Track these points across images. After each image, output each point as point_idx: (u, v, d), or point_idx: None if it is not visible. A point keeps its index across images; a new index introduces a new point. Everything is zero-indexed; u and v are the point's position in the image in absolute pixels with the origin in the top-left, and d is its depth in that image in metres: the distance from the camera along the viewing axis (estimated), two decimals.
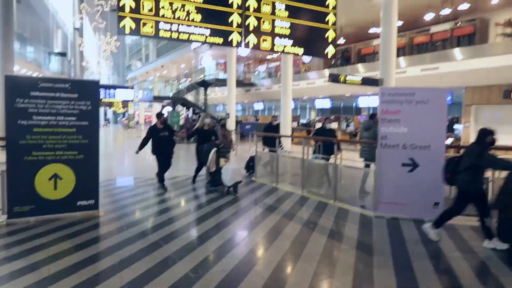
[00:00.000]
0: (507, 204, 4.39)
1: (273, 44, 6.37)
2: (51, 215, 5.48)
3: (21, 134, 5.25)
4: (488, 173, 5.45)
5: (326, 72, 18.97)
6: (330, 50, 7.04)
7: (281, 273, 3.84)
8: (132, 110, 45.74)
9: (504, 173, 4.86)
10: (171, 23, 5.34)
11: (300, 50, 6.84)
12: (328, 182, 7.55)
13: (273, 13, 6.29)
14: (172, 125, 13.33)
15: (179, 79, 29.58)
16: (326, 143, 8.11)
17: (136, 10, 5.08)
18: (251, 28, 6.03)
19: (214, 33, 5.71)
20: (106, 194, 7.16)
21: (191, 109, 24.55)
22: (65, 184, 5.57)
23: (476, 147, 4.69)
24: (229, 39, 5.86)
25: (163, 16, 5.28)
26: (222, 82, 24.27)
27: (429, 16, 16.37)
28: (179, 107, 25.66)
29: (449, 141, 13.70)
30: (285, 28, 6.46)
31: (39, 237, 4.71)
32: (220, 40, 5.78)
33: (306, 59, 22.63)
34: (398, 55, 14.16)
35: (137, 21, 5.08)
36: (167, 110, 24.29)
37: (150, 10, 5.17)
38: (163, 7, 5.29)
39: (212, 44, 5.91)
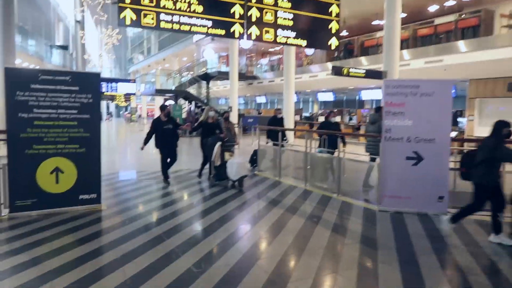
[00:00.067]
0: None
1: (275, 36, 6.30)
2: (53, 209, 5.46)
3: (22, 127, 5.21)
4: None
5: (329, 65, 18.83)
6: (334, 42, 6.96)
7: (284, 267, 3.80)
8: (135, 104, 45.68)
9: None
10: (172, 14, 5.28)
11: (303, 42, 6.77)
12: (332, 176, 7.49)
13: (275, 4, 6.21)
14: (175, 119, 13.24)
15: (181, 72, 29.50)
16: (331, 137, 8.03)
17: (136, 1, 5.02)
18: (253, 19, 5.95)
19: (216, 24, 5.64)
20: (109, 188, 7.14)
21: (193, 103, 24.49)
22: (67, 178, 5.54)
23: (491, 140, 4.58)
24: (231, 30, 5.79)
25: (164, 7, 5.21)
26: (224, 75, 24.17)
27: (433, 8, 16.19)
28: (182, 101, 25.59)
29: (453, 134, 13.60)
30: (288, 19, 6.38)
31: (41, 231, 4.69)
32: (222, 31, 5.72)
33: (309, 51, 22.46)
34: (401, 48, 14.01)
35: (137, 12, 5.02)
36: (169, 103, 24.23)
37: (151, 1, 5.10)
38: None
39: (214, 36, 5.86)
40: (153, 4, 5.07)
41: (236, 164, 7.41)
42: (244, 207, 6.15)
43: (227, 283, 3.41)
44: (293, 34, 6.49)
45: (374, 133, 7.31)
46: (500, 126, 4.55)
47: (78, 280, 3.41)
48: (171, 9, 5.20)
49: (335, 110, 22.21)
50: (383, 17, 12.53)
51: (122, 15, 4.88)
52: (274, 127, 9.59)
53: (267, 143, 9.83)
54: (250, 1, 5.88)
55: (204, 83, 25.90)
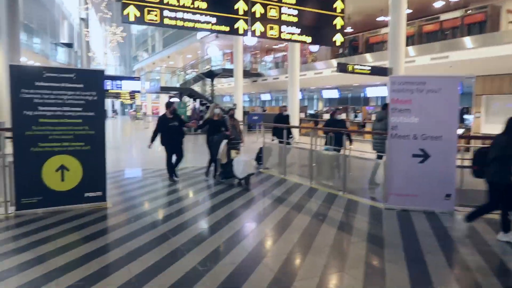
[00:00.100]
0: None
1: (280, 32, 6.26)
2: (59, 206, 5.47)
3: (27, 125, 5.21)
4: None
5: (334, 62, 18.74)
6: (338, 38, 6.91)
7: (290, 266, 3.78)
8: (140, 101, 45.79)
9: None
10: (176, 11, 5.24)
11: (308, 39, 6.72)
12: (338, 173, 7.43)
13: (279, 0, 6.15)
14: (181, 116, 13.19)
15: (185, 69, 29.49)
16: (338, 134, 7.97)
17: None
18: (257, 15, 5.91)
19: (220, 21, 5.60)
20: (114, 186, 7.15)
21: (198, 100, 24.48)
22: (72, 176, 5.55)
23: (503, 137, 4.50)
24: (235, 27, 5.75)
25: (167, 3, 5.18)
26: (228, 73, 24.13)
27: (438, 4, 16.03)
28: (186, 98, 25.59)
29: (459, 131, 13.49)
30: (293, 15, 6.33)
31: (47, 229, 4.70)
32: (226, 28, 5.68)
33: (313, 48, 22.36)
34: (407, 44, 13.91)
35: (141, 8, 4.99)
36: (174, 101, 24.25)
37: None
38: None
39: (218, 33, 5.83)
40: (157, 1, 5.05)
41: (243, 162, 7.34)
42: (249, 205, 6.13)
43: (232, 282, 3.39)
44: (298, 30, 6.45)
45: (381, 131, 7.24)
46: None
47: (83, 278, 3.40)
48: (174, 5, 5.17)
49: (341, 107, 22.13)
50: (388, 13, 12.44)
51: (125, 12, 4.86)
52: (280, 125, 9.54)
53: (272, 140, 9.79)
54: None
55: (208, 80, 25.88)
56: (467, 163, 6.52)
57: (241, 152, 8.83)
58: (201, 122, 9.13)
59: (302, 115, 21.96)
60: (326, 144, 8.50)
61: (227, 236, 4.56)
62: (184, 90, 25.16)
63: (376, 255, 4.08)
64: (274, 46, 27.72)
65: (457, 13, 15.87)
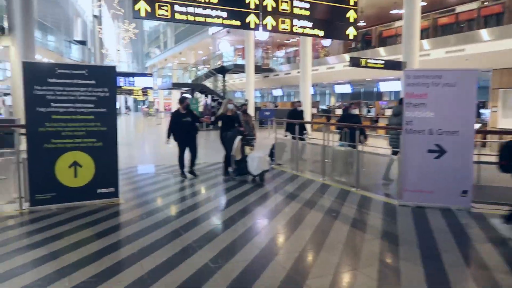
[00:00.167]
0: None
1: (292, 26, 6.17)
2: (72, 202, 5.51)
3: (40, 121, 5.24)
4: None
5: (346, 56, 18.53)
6: (352, 32, 6.79)
7: (303, 263, 3.73)
8: (152, 98, 46.13)
9: None
10: (187, 6, 5.20)
11: (320, 32, 6.61)
12: (352, 169, 7.31)
13: None
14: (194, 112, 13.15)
15: (197, 65, 29.55)
16: (353, 130, 7.83)
17: None
18: (269, 9, 5.83)
19: (231, 15, 5.54)
20: (127, 182, 7.18)
21: (209, 96, 24.51)
22: (85, 172, 5.58)
23: None
24: (247, 21, 5.68)
25: None
26: (240, 68, 24.07)
27: None
28: (198, 94, 25.65)
29: (476, 126, 13.21)
30: (305, 9, 6.23)
31: (60, 224, 4.73)
32: (237, 22, 5.62)
33: (325, 43, 22.15)
34: (421, 37, 13.64)
35: (152, 3, 4.96)
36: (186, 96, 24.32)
37: None
38: None
39: (229, 27, 5.77)
40: None
41: (257, 158, 7.26)
42: (261, 201, 6.09)
43: (244, 280, 3.35)
44: (310, 24, 6.35)
45: (397, 126, 7.08)
46: None
47: (96, 274, 3.41)
48: (185, 0, 5.13)
49: (354, 102, 21.89)
50: (402, 6, 12.21)
51: (136, 7, 4.84)
52: (293, 120, 9.44)
53: (285, 136, 9.71)
54: None
55: (220, 76, 25.88)
56: (484, 158, 6.37)
57: (255, 148, 8.78)
58: (213, 118, 9.08)
59: (314, 110, 21.80)
60: (340, 140, 8.37)
61: (239, 233, 4.53)
62: (196, 86, 25.22)
63: (391, 253, 4.00)
64: (285, 41, 27.57)
65: (473, 5, 15.50)
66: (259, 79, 26.60)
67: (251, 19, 5.67)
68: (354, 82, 23.14)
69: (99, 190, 5.67)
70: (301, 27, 6.23)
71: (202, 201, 6.13)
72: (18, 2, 12.35)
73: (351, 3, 6.62)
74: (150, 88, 30.09)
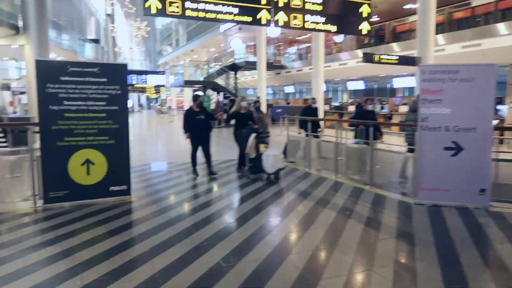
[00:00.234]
0: None
1: (304, 22, 6.07)
2: (85, 200, 5.53)
3: (53, 119, 5.27)
4: None
5: (359, 52, 18.30)
6: (365, 27, 6.66)
7: (316, 263, 3.66)
8: (164, 95, 46.39)
9: None
10: (198, 2, 5.16)
11: (333, 28, 6.51)
12: (365, 167, 7.18)
13: None
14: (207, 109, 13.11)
15: (209, 63, 29.57)
16: (368, 126, 7.67)
17: None
18: (280, 4, 5.75)
19: (242, 11, 5.48)
20: (139, 180, 7.20)
21: (221, 93, 24.52)
22: (98, 170, 5.60)
23: None
24: (258, 17, 5.61)
25: None
26: (252, 65, 24.01)
27: None
28: (210, 91, 25.68)
29: (494, 122, 12.92)
30: (317, 4, 6.13)
31: (73, 222, 4.75)
32: (248, 18, 5.56)
33: (338, 39, 21.92)
34: (436, 32, 13.38)
35: (162, 0, 4.92)
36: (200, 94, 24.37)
37: None
38: None
39: (240, 23, 5.71)
40: None
41: (272, 156, 7.16)
42: (273, 199, 6.03)
43: (256, 279, 3.30)
44: (322, 19, 6.24)
45: (414, 122, 6.91)
46: None
47: (108, 272, 3.40)
48: None
49: (365, 98, 21.64)
50: (415, 1, 11.98)
51: (147, 4, 4.82)
52: (307, 117, 9.33)
53: (299, 133, 9.61)
54: None
55: (232, 73, 25.85)
56: (502, 156, 6.20)
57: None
58: (225, 116, 9.02)
59: (327, 107, 21.63)
60: (355, 137, 8.21)
61: (251, 231, 4.48)
62: (208, 84, 25.24)
63: (406, 252, 3.91)
64: (297, 38, 27.38)
65: None
66: (271, 76, 26.50)
67: (263, 14, 5.60)
68: (367, 79, 22.90)
69: (111, 188, 5.69)
70: (313, 22, 6.13)
71: (214, 199, 6.10)
72: (32, 2, 12.50)
73: None
74: (163, 85, 30.22)
